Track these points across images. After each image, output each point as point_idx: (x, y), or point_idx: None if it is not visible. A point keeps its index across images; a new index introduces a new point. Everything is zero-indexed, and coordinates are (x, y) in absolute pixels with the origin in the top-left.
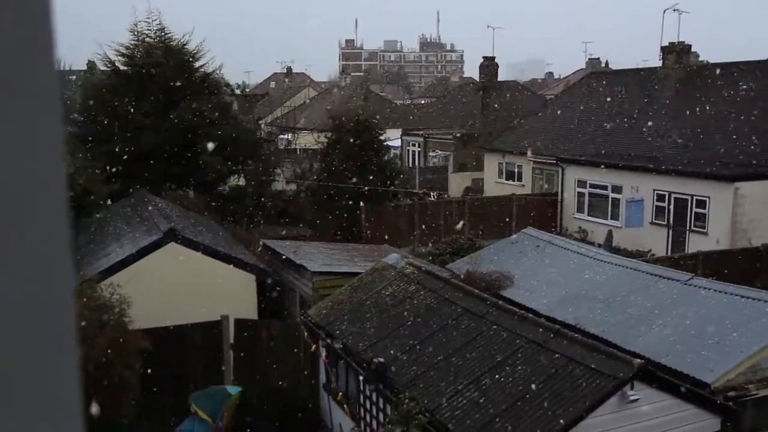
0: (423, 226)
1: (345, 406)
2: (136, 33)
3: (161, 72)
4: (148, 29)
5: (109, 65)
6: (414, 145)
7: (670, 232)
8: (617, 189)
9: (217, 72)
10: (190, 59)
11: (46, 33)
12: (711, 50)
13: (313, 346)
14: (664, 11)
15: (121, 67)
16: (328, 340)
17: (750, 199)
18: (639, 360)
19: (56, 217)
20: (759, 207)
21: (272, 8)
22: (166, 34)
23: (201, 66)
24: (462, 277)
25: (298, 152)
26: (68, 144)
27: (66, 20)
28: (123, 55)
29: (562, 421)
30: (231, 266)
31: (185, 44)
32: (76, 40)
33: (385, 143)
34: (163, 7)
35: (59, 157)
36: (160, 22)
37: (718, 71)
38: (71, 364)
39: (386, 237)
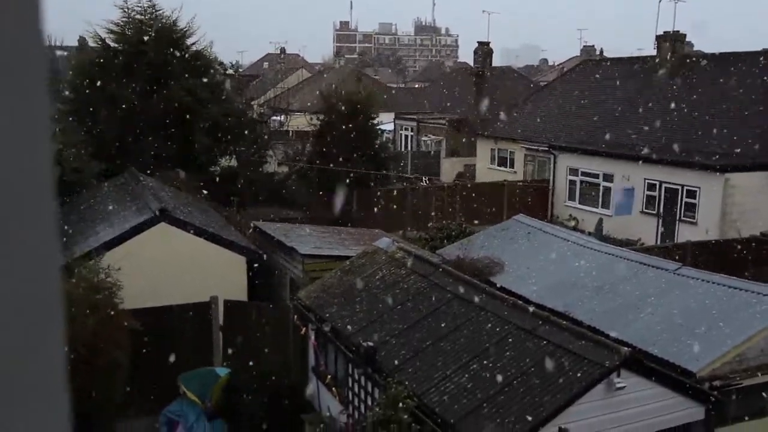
0: (414, 211)
1: (334, 389)
2: (126, 9)
3: (151, 49)
4: (138, 5)
5: (99, 42)
6: (407, 129)
7: (660, 221)
8: (609, 177)
9: (208, 50)
10: (181, 36)
11: (34, 9)
12: (714, 45)
13: (303, 329)
14: (660, 0)
15: (112, 44)
16: (318, 323)
17: (740, 190)
18: (626, 348)
19: (42, 196)
20: (749, 198)
21: None
22: (156, 10)
23: (192, 44)
24: (452, 262)
25: (291, 134)
26: (58, 122)
27: None
28: (113, 32)
29: (549, 407)
30: (221, 247)
31: (176, 21)
32: (69, 15)
33: (377, 126)
34: None
35: (46, 135)
36: None
37: (711, 61)
38: (57, 344)
39: (377, 221)
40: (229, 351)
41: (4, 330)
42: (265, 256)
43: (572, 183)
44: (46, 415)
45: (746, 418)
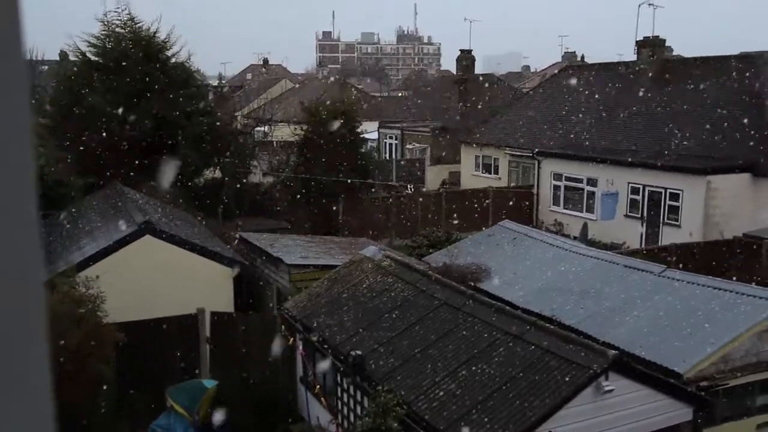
0: (400, 219)
1: (322, 398)
2: (105, 23)
3: (132, 63)
4: (117, 19)
5: (80, 56)
6: (391, 137)
7: (644, 224)
8: (592, 182)
9: (188, 62)
10: (161, 49)
11: (14, 22)
12: (692, 50)
13: (291, 339)
14: (639, 5)
15: (92, 58)
16: (306, 333)
17: (722, 193)
18: (613, 351)
19: (25, 210)
20: (731, 200)
21: None
22: (135, 23)
23: (173, 55)
24: (439, 269)
25: (275, 144)
26: (40, 136)
27: (39, 8)
28: (93, 45)
29: (538, 411)
30: (207, 259)
31: (155, 33)
32: (50, 28)
33: (361, 136)
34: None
35: (28, 148)
36: (129, 12)
37: (691, 65)
38: (41, 358)
39: (364, 230)
40: (217, 363)
41: None
42: (251, 267)
43: (556, 188)
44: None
45: (734, 419)
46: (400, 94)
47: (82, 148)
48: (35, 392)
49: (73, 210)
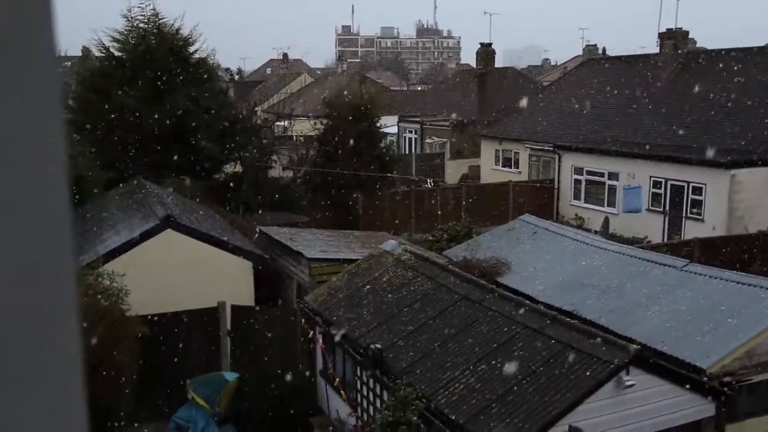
0: (420, 213)
1: (342, 392)
2: (129, 18)
3: (155, 58)
4: (141, 14)
5: (103, 51)
6: (411, 131)
7: (667, 218)
8: (614, 176)
9: (212, 57)
10: (184, 44)
11: (47, 18)
12: (715, 42)
13: (310, 333)
14: None
15: (116, 53)
16: (325, 327)
17: (746, 186)
18: (635, 346)
19: (57, 203)
20: (755, 194)
21: None
22: (159, 19)
23: (195, 51)
24: (459, 263)
25: (295, 139)
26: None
27: (61, 4)
28: (117, 41)
29: (558, 406)
30: (228, 253)
31: (179, 29)
32: (71, 25)
33: (381, 130)
34: None
35: (60, 144)
36: (154, 7)
37: (715, 57)
38: (74, 351)
39: (383, 224)
40: (237, 356)
41: (20, 337)
42: (271, 260)
43: (577, 182)
44: (64, 422)
45: (758, 415)
46: (419, 88)
47: (104, 142)
48: (68, 386)
49: (95, 204)
